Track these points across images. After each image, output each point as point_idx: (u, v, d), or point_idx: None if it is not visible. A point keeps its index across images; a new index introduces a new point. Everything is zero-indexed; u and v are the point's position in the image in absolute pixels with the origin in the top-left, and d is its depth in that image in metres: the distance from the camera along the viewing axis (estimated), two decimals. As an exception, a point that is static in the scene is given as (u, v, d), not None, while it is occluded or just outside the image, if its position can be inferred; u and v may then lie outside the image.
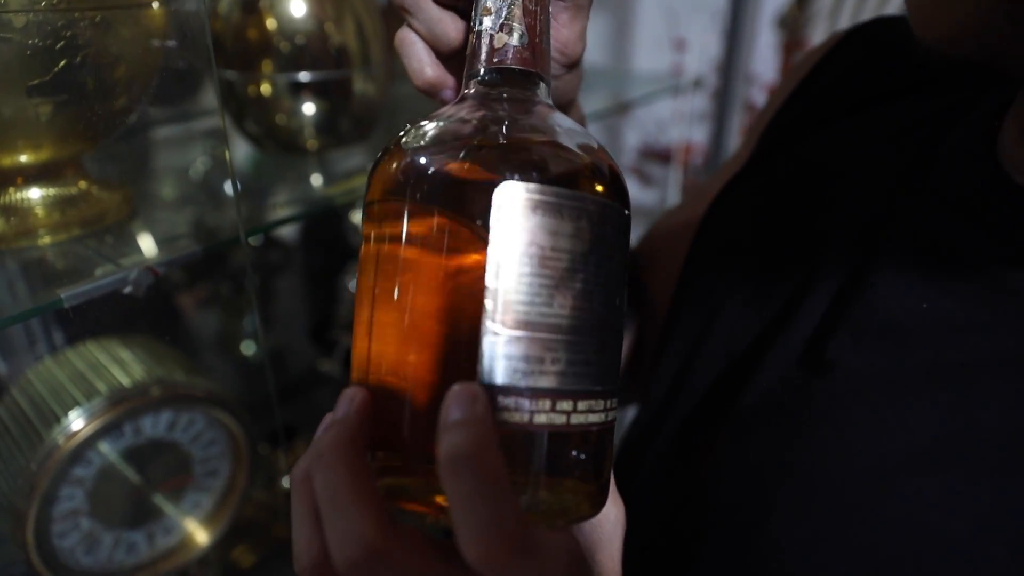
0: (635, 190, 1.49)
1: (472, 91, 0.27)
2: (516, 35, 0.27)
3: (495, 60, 0.27)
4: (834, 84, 0.41)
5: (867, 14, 1.28)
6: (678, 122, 1.34)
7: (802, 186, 0.38)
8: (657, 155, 1.41)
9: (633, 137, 1.45)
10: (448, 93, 0.30)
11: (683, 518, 0.33)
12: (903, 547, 0.25)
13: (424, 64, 0.29)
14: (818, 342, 0.30)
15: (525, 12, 0.27)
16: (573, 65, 0.32)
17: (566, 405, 0.22)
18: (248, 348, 0.91)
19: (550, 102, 0.28)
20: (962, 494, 0.24)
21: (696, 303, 0.39)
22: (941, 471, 0.25)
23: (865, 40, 0.41)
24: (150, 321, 0.68)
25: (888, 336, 0.28)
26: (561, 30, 0.30)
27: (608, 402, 0.24)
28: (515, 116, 0.25)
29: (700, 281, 0.40)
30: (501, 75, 0.27)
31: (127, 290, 0.38)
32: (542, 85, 0.27)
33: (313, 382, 0.87)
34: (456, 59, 0.30)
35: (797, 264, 0.34)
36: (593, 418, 0.23)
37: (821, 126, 0.40)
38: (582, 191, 0.24)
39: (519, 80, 0.27)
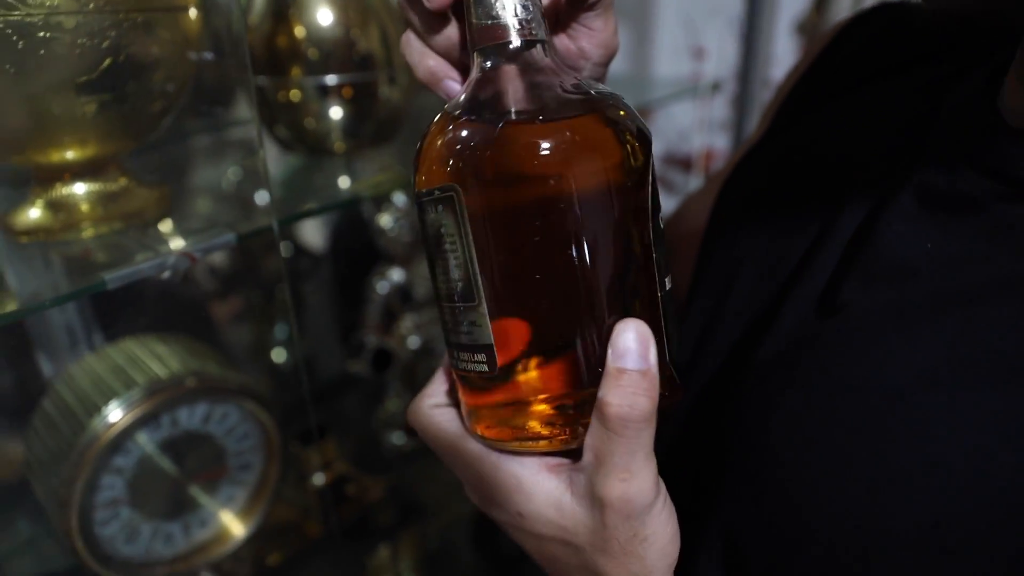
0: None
1: (478, 74, 0.29)
2: (509, 10, 0.28)
3: (494, 38, 0.28)
4: (848, 59, 0.43)
5: (886, 18, 1.28)
6: (699, 129, 1.35)
7: (816, 148, 0.40)
8: (679, 163, 1.42)
9: (656, 146, 1.46)
10: (450, 84, 0.32)
11: (706, 471, 0.34)
12: (911, 459, 0.26)
13: (424, 56, 0.31)
14: (831, 287, 0.32)
15: None
16: (611, 60, 0.34)
17: None
18: (279, 356, 0.94)
19: (551, 61, 0.29)
20: (969, 407, 0.26)
21: (717, 263, 0.41)
22: (948, 388, 0.26)
23: (877, 18, 0.43)
24: (186, 323, 0.70)
25: (896, 275, 0.30)
26: (598, 35, 0.32)
27: None
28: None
29: (720, 242, 0.42)
30: (501, 52, 0.28)
31: (166, 275, 0.40)
32: (538, 47, 0.29)
33: (342, 384, 0.89)
34: (455, 52, 0.32)
35: (812, 219, 0.36)
36: None
37: (835, 98, 0.42)
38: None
39: (520, 52, 0.28)
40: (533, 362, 0.27)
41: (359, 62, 0.60)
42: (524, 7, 0.28)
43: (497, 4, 0.27)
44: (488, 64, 0.29)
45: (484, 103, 0.28)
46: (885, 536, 0.26)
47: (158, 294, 0.70)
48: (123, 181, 0.47)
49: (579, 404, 0.27)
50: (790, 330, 0.33)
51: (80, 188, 0.45)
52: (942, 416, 0.26)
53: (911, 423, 0.27)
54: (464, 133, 0.27)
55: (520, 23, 0.28)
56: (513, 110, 0.27)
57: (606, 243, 0.26)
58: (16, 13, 0.35)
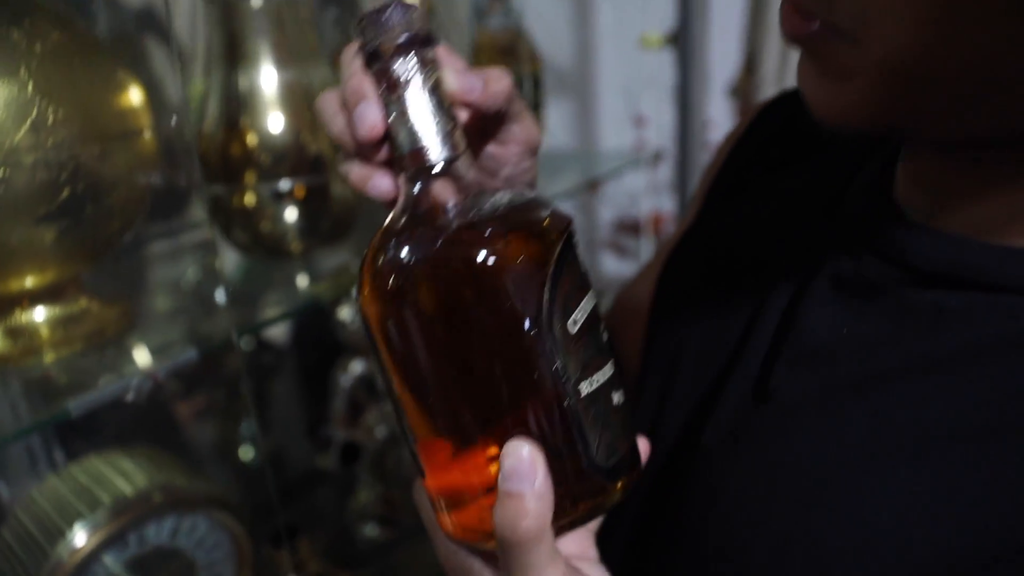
0: (612, 262, 1.53)
1: (412, 189, 0.30)
2: (429, 136, 0.29)
3: (420, 162, 0.30)
4: (763, 145, 0.47)
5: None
6: (646, 194, 1.40)
7: (740, 235, 0.43)
8: (629, 228, 1.46)
9: (607, 212, 1.50)
10: (379, 184, 0.33)
11: (654, 557, 0.35)
12: (844, 539, 0.27)
13: (351, 164, 0.33)
14: (762, 373, 0.34)
15: (428, 118, 0.29)
16: (536, 150, 0.36)
17: None
18: (246, 453, 0.92)
19: (472, 173, 0.31)
20: (892, 484, 0.27)
21: (661, 345, 0.43)
22: (871, 468, 0.28)
23: (787, 105, 0.47)
24: (149, 432, 0.69)
25: (817, 360, 0.32)
26: (519, 136, 0.34)
27: None
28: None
29: (663, 324, 0.44)
30: (425, 173, 0.30)
31: (130, 397, 0.40)
32: (460, 162, 0.30)
33: (311, 479, 0.88)
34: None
35: (742, 304, 0.38)
36: None
37: (754, 183, 0.45)
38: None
39: (443, 171, 0.30)
40: (452, 470, 0.29)
41: (311, 164, 0.62)
42: (443, 132, 0.29)
43: (418, 132, 0.29)
44: (416, 188, 0.30)
45: (405, 227, 0.29)
46: None
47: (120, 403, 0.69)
48: (83, 302, 0.47)
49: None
50: (729, 417, 0.35)
51: (39, 313, 0.45)
52: (868, 496, 0.28)
53: (841, 504, 0.28)
54: (381, 260, 0.29)
55: (440, 146, 0.29)
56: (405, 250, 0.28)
57: (499, 361, 0.27)
58: (-26, 156, 0.36)
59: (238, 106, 0.59)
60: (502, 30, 0.92)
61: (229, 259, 0.70)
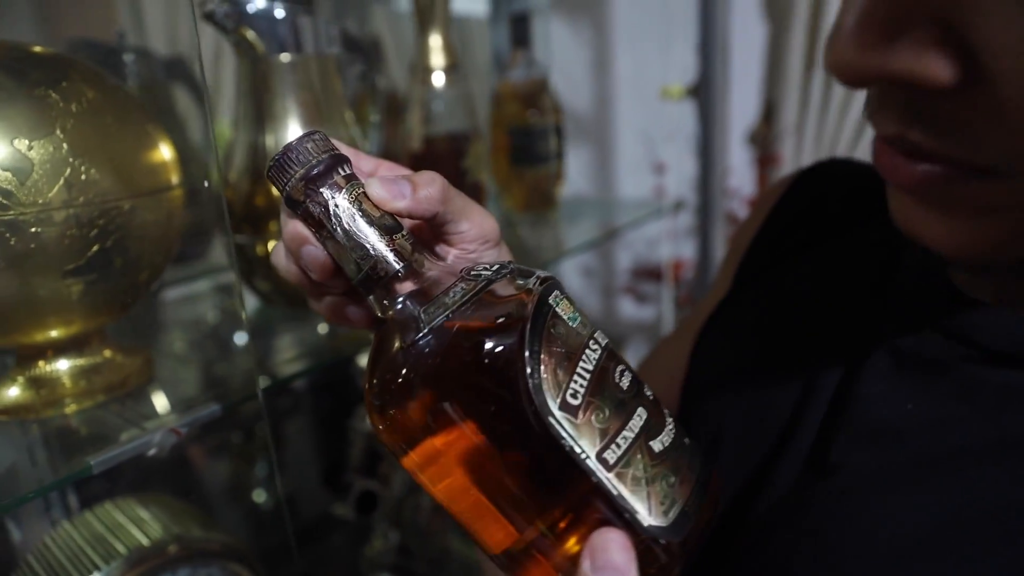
0: (631, 308, 1.53)
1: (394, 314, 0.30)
2: (371, 260, 0.29)
3: (373, 282, 0.29)
4: (792, 223, 0.46)
5: (829, 127, 1.37)
6: (666, 240, 1.40)
7: (783, 310, 0.42)
8: (649, 274, 1.46)
9: (625, 259, 1.50)
10: (352, 313, 0.33)
11: None
12: None
13: (318, 298, 0.33)
14: (820, 448, 0.33)
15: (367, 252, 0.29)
16: (498, 240, 0.35)
17: None
18: (259, 496, 0.91)
19: (434, 269, 0.30)
20: (967, 568, 0.27)
21: (698, 422, 0.41)
22: (942, 554, 0.27)
23: (824, 175, 0.47)
24: (164, 477, 0.69)
25: (881, 436, 0.31)
26: (471, 233, 0.33)
27: None
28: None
29: (699, 402, 0.43)
30: (388, 287, 0.30)
31: (152, 452, 0.40)
32: (415, 264, 0.30)
33: (327, 527, 0.87)
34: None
35: (791, 380, 0.37)
36: None
37: (791, 256, 0.44)
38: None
39: (404, 278, 0.30)
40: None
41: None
42: (385, 244, 0.29)
43: (359, 254, 0.29)
44: (384, 306, 0.30)
45: (381, 351, 0.29)
46: None
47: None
48: (107, 353, 0.47)
49: None
50: (784, 493, 0.34)
51: (63, 364, 0.45)
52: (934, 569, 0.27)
53: (909, 570, 0.28)
54: (374, 396, 0.28)
55: (387, 259, 0.29)
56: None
57: (511, 464, 0.27)
58: (10, 213, 0.37)
59: (264, 157, 0.60)
60: (525, 81, 0.94)
61: (249, 305, 0.70)
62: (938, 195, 0.26)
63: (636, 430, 0.28)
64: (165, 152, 0.46)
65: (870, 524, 0.29)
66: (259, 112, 0.61)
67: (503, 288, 0.28)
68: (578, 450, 0.26)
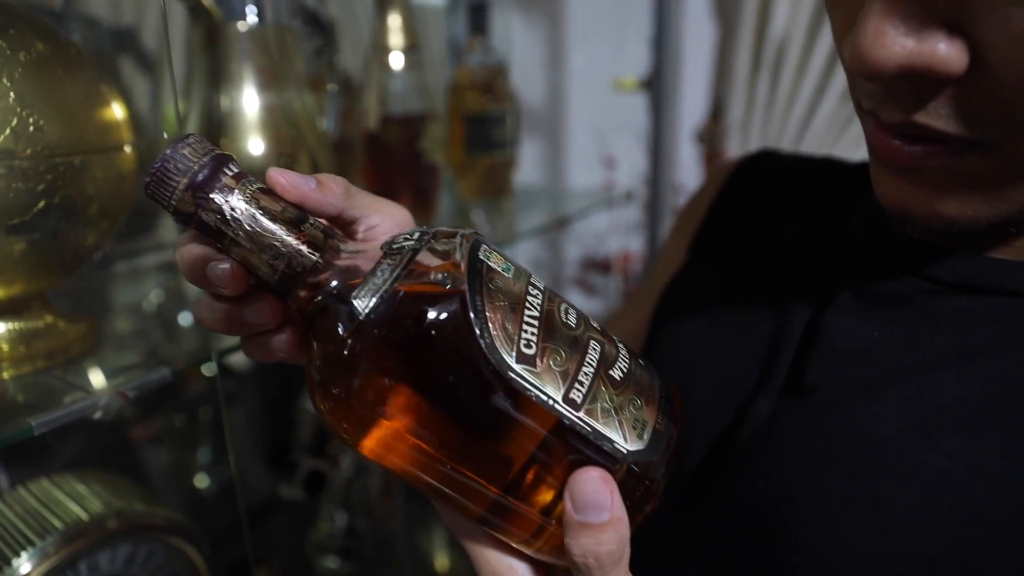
0: (579, 300, 1.55)
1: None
2: (283, 258, 0.27)
3: (289, 280, 0.27)
4: (740, 203, 0.51)
5: (774, 126, 1.41)
6: (615, 233, 1.42)
7: (744, 270, 0.46)
8: (598, 266, 1.48)
9: (574, 250, 1.52)
10: (277, 342, 0.31)
11: (693, 546, 0.38)
12: (898, 495, 0.31)
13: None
14: (796, 373, 0.37)
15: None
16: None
17: None
18: (202, 481, 0.89)
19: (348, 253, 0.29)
20: (947, 450, 0.31)
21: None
22: (926, 437, 0.32)
23: (766, 161, 0.53)
24: (104, 456, 0.67)
25: (852, 358, 0.35)
26: (388, 220, 0.32)
27: None
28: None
29: (663, 354, 0.46)
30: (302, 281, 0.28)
31: (98, 415, 0.39)
32: (331, 253, 0.28)
33: (272, 510, 0.85)
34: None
35: (759, 326, 0.41)
36: None
37: (744, 227, 0.49)
38: None
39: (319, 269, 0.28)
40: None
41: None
42: (296, 237, 0.27)
43: (269, 256, 0.27)
44: (314, 300, 0.28)
45: (321, 346, 0.27)
46: (884, 554, 0.31)
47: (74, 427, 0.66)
48: (48, 318, 0.46)
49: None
50: (765, 416, 0.37)
51: (0, 327, 0.44)
52: (919, 460, 0.31)
53: (900, 467, 0.32)
54: (326, 391, 0.27)
55: (301, 252, 0.27)
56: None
57: (484, 422, 0.26)
58: (-51, 162, 0.35)
59: (219, 128, 0.59)
60: (481, 67, 0.94)
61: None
62: (933, 171, 0.29)
63: (594, 364, 0.28)
64: (118, 111, 0.45)
65: (849, 428, 0.33)
66: (213, 82, 0.59)
67: (430, 254, 0.27)
68: (544, 398, 0.26)
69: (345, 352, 0.26)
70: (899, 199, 0.31)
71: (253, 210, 0.26)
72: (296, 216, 0.27)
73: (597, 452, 0.27)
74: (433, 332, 0.25)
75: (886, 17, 0.25)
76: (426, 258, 0.27)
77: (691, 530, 0.40)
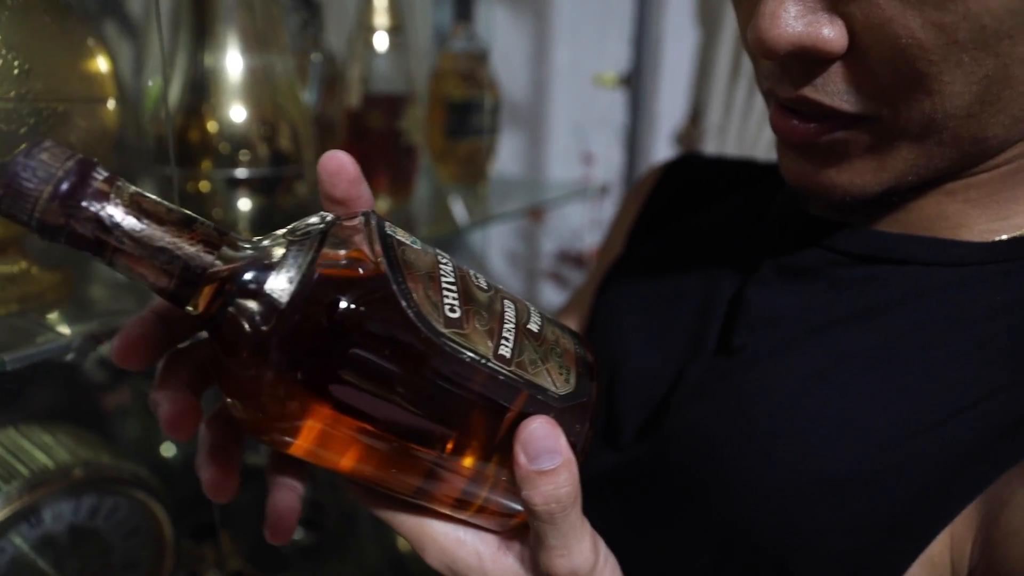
0: (552, 293, 1.56)
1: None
2: (178, 260, 0.25)
3: (187, 281, 0.25)
4: (671, 198, 0.57)
5: (750, 131, 1.44)
6: (590, 229, 1.44)
7: (675, 254, 0.51)
8: (572, 259, 1.50)
9: (549, 243, 1.54)
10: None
11: (647, 506, 0.41)
12: (823, 427, 0.36)
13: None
14: (725, 336, 0.42)
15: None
16: None
17: None
18: (168, 450, 0.89)
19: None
20: (855, 386, 0.36)
21: (606, 345, 0.48)
22: (836, 377, 0.37)
23: (691, 163, 0.59)
24: (73, 419, 0.67)
25: (772, 321, 0.40)
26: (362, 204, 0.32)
27: None
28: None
29: (604, 327, 0.50)
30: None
31: (69, 357, 0.39)
32: (225, 249, 0.26)
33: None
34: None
35: (689, 299, 0.45)
36: None
37: (674, 219, 0.55)
38: None
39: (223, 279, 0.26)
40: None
41: (269, 158, 0.63)
42: (187, 234, 0.25)
43: (176, 252, 0.25)
44: (219, 301, 0.26)
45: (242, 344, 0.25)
46: (796, 475, 0.35)
47: (42, 382, 0.67)
48: (23, 264, 0.46)
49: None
50: (700, 375, 0.41)
51: (-25, 269, 0.44)
52: (837, 396, 0.36)
53: (813, 406, 0.36)
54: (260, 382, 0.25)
55: (196, 249, 0.25)
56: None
57: (423, 390, 0.26)
58: (-66, 98, 0.36)
59: (202, 88, 0.60)
60: (463, 54, 0.95)
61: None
62: (825, 146, 0.34)
63: (513, 320, 0.29)
64: (103, 65, 0.46)
65: (771, 379, 0.38)
66: (198, 42, 0.60)
67: (338, 235, 0.26)
68: (477, 357, 0.27)
69: (268, 346, 0.24)
70: (799, 173, 0.36)
71: (136, 215, 0.24)
72: (183, 217, 0.25)
73: (532, 402, 0.28)
74: (361, 309, 0.24)
75: (779, 4, 0.30)
76: (335, 239, 0.26)
77: (634, 486, 0.42)
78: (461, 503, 0.30)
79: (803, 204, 0.42)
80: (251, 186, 0.63)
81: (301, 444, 0.26)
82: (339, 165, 0.29)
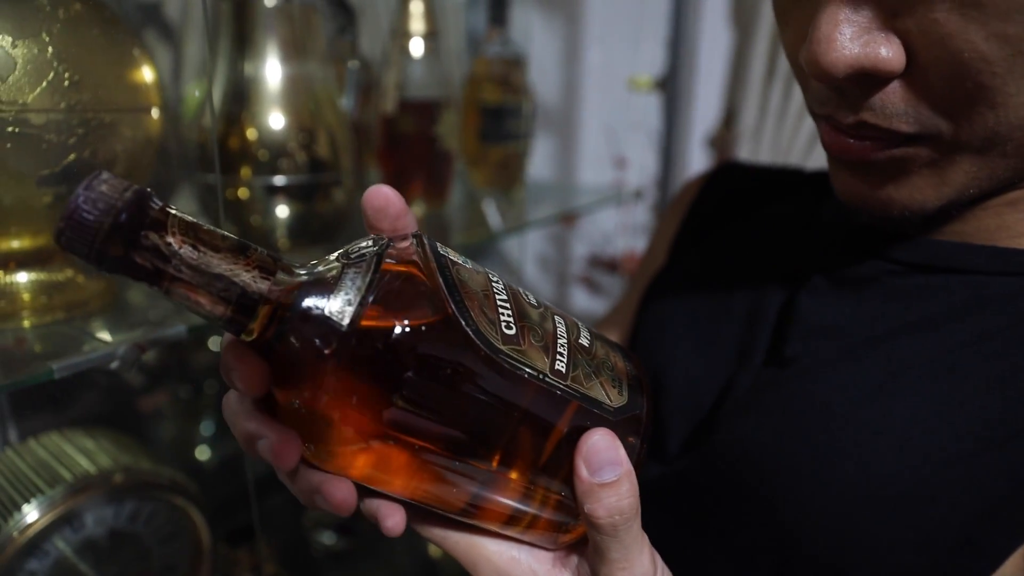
0: (584, 298, 1.55)
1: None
2: (238, 292, 0.25)
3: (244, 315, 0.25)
4: (714, 208, 0.56)
5: (785, 134, 1.42)
6: (622, 233, 1.43)
7: (721, 264, 0.50)
8: (604, 264, 1.49)
9: (581, 248, 1.53)
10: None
11: (688, 513, 0.40)
12: (882, 442, 0.35)
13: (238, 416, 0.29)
14: (776, 347, 0.41)
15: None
16: None
17: None
18: (203, 453, 0.90)
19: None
20: (913, 401, 0.35)
21: (650, 358, 0.48)
22: (894, 391, 0.36)
23: (731, 173, 0.58)
24: (111, 422, 0.68)
25: (825, 331, 0.39)
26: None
27: None
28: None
29: (651, 350, 0.49)
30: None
31: (114, 365, 0.40)
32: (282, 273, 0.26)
33: (270, 485, 0.86)
34: None
35: (736, 309, 0.45)
36: None
37: (718, 228, 0.54)
38: None
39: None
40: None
41: (307, 165, 0.63)
42: (245, 267, 0.25)
43: (234, 279, 0.24)
44: (277, 328, 0.25)
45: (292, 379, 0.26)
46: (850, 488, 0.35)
47: (82, 388, 0.68)
48: (68, 272, 0.47)
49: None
50: (748, 386, 0.41)
51: (23, 277, 0.45)
52: (891, 413, 0.35)
53: (870, 420, 0.36)
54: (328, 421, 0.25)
55: (258, 274, 0.25)
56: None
57: (485, 408, 0.26)
58: (-11, 110, 0.37)
59: (242, 95, 0.60)
60: (498, 59, 0.95)
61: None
62: (883, 163, 0.33)
63: (564, 335, 0.29)
64: (148, 75, 0.46)
65: (824, 391, 0.37)
66: (238, 51, 0.60)
67: (394, 256, 0.26)
68: (535, 373, 0.27)
69: (326, 371, 0.24)
70: (855, 191, 0.35)
71: (193, 242, 0.24)
72: (237, 244, 0.25)
73: (588, 416, 0.28)
74: (421, 329, 0.25)
75: (834, 26, 0.29)
76: (391, 260, 0.26)
77: (683, 499, 0.42)
78: (512, 519, 0.30)
79: (853, 213, 0.41)
80: (289, 193, 0.63)
81: (357, 468, 0.26)
82: (385, 201, 0.28)
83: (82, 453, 0.53)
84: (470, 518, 0.30)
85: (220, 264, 0.24)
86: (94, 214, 0.22)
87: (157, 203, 0.24)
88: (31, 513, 0.48)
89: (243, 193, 0.63)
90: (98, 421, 0.65)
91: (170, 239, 0.23)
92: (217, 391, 0.89)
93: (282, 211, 0.64)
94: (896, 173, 0.33)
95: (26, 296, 0.45)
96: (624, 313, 0.59)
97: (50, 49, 0.39)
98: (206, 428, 0.90)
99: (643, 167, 1.35)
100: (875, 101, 0.31)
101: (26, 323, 0.45)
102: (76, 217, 0.22)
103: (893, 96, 0.31)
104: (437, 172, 0.83)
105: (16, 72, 0.37)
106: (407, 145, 0.81)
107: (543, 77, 1.47)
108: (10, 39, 0.37)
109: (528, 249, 1.53)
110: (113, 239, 0.22)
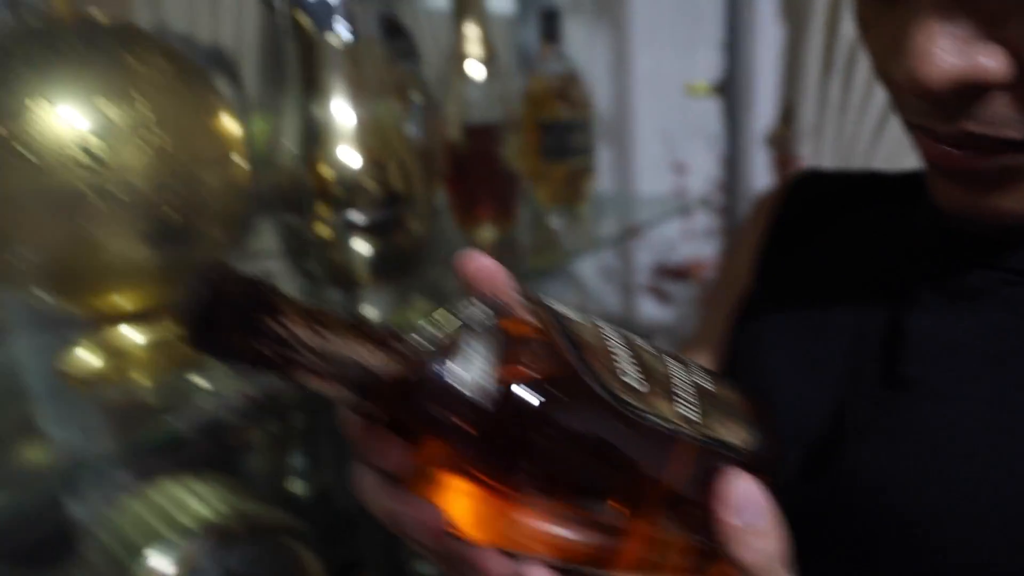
0: (653, 308, 1.53)
1: None
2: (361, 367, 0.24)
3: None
4: (798, 218, 0.53)
5: (847, 129, 1.38)
6: (686, 240, 1.41)
7: (817, 282, 0.48)
8: (671, 273, 1.47)
9: (645, 256, 1.51)
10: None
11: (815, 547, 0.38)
12: (1006, 477, 0.34)
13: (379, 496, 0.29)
14: (891, 368, 0.39)
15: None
16: None
17: None
18: (296, 487, 0.92)
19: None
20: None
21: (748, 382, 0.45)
22: (1020, 420, 0.34)
23: (811, 182, 0.55)
24: (208, 460, 0.70)
25: (947, 351, 0.37)
26: None
27: None
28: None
29: (744, 365, 0.48)
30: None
31: (221, 413, 0.41)
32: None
33: (363, 516, 0.87)
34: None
35: (840, 333, 0.42)
36: None
37: (805, 243, 0.51)
38: None
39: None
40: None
41: (383, 199, 0.64)
42: (378, 344, 0.24)
43: (364, 364, 0.24)
44: (412, 405, 0.25)
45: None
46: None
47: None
48: (172, 327, 0.48)
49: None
50: (867, 409, 0.39)
51: (137, 336, 0.46)
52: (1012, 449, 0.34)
53: (1006, 450, 0.34)
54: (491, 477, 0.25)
55: (385, 355, 0.24)
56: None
57: (624, 464, 0.26)
58: (99, 178, 0.38)
59: (314, 136, 0.62)
60: (555, 75, 0.95)
61: (295, 290, 0.71)
62: (987, 172, 0.32)
63: (684, 379, 0.29)
64: (229, 124, 0.47)
65: (960, 417, 0.35)
66: (307, 93, 0.62)
67: (510, 319, 0.26)
68: (662, 422, 0.26)
69: (472, 445, 0.24)
70: (957, 201, 0.34)
71: (319, 329, 0.23)
72: (354, 322, 0.25)
73: (724, 460, 0.28)
74: (556, 394, 0.24)
75: (930, 40, 0.28)
76: (508, 324, 0.26)
77: (806, 529, 0.40)
78: (648, 567, 0.29)
79: (954, 223, 0.39)
80: (368, 229, 0.64)
81: (501, 536, 0.26)
82: (489, 275, 0.28)
83: (197, 499, 0.54)
84: (606, 568, 0.29)
85: (343, 347, 0.23)
86: (221, 310, 0.21)
87: (278, 292, 0.23)
88: (160, 560, 0.50)
89: (323, 231, 0.64)
90: (194, 460, 0.67)
91: (295, 329, 0.23)
92: (305, 424, 0.91)
93: (362, 248, 0.64)
94: (1003, 181, 0.32)
95: (140, 353, 0.46)
96: (708, 340, 0.57)
97: (140, 108, 0.40)
98: (297, 461, 0.92)
99: (704, 171, 1.32)
100: (977, 110, 0.30)
101: (147, 380, 0.46)
102: (203, 317, 0.21)
103: (998, 104, 0.30)
104: (504, 194, 0.83)
105: (110, 132, 0.38)
106: (473, 170, 0.81)
107: (592, 87, 1.46)
108: (103, 99, 0.39)
109: (591, 260, 1.52)
110: (243, 335, 0.22)
